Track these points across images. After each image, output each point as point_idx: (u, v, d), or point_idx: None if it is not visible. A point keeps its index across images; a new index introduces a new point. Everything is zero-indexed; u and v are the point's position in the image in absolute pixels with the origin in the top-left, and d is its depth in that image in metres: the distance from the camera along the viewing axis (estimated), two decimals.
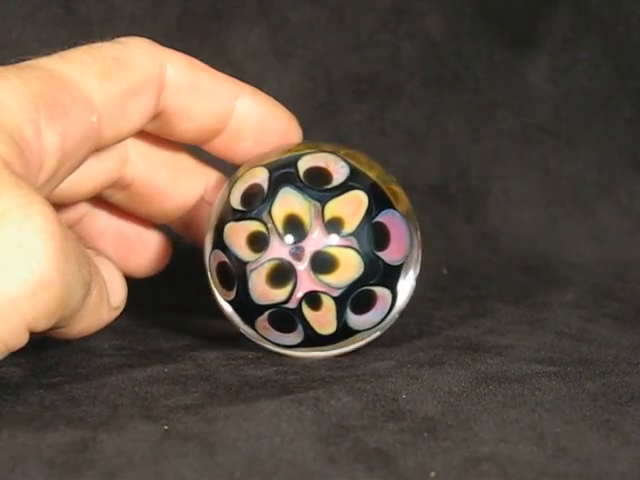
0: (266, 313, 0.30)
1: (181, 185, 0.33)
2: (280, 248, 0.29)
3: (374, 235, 0.30)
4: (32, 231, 0.24)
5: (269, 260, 0.29)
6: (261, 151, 0.31)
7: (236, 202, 0.30)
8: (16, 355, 0.32)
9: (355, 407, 0.27)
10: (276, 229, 0.29)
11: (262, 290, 0.30)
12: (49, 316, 0.24)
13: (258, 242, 0.29)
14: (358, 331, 0.31)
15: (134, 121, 0.29)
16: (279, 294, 0.30)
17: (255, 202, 0.30)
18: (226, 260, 0.30)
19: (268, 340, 0.31)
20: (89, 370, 0.30)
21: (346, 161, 0.30)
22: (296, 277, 0.29)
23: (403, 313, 0.32)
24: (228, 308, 0.31)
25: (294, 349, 0.31)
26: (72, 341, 0.34)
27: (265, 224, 0.29)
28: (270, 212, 0.29)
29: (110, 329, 0.36)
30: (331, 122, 0.52)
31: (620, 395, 0.28)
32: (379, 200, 0.30)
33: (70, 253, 0.25)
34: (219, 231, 0.30)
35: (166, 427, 0.25)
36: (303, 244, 0.29)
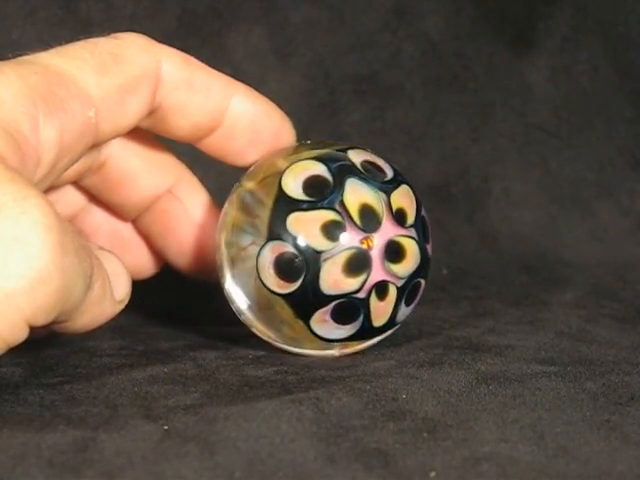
0: (333, 304, 0.30)
1: (151, 175, 0.33)
2: (355, 237, 0.29)
3: (424, 228, 0.31)
4: (29, 225, 0.24)
5: (346, 249, 0.29)
6: (254, 150, 0.31)
7: (297, 192, 0.30)
8: (16, 355, 0.32)
9: (355, 407, 0.27)
10: (351, 218, 0.29)
11: (335, 280, 0.29)
12: (49, 310, 0.24)
13: (334, 231, 0.29)
14: (397, 324, 0.31)
15: (131, 116, 0.29)
16: (352, 283, 0.30)
17: (323, 192, 0.30)
18: (291, 250, 0.29)
19: (316, 335, 0.31)
20: (89, 370, 0.30)
21: (382, 158, 0.31)
22: (370, 266, 0.30)
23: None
24: (242, 301, 0.31)
25: (322, 345, 0.31)
26: (72, 341, 0.34)
27: (339, 213, 0.29)
28: (343, 201, 0.30)
29: (110, 329, 0.36)
30: (331, 122, 0.52)
31: (620, 395, 0.28)
32: (417, 195, 0.31)
33: (69, 246, 0.24)
34: (276, 222, 0.30)
35: (166, 427, 0.25)
36: (375, 233, 0.30)
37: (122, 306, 0.29)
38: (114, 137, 0.30)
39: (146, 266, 0.35)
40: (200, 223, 0.33)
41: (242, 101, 0.31)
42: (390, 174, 0.31)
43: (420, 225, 0.31)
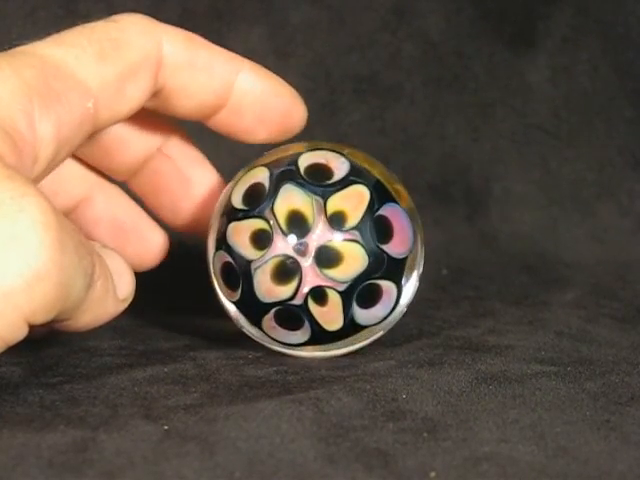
0: (272, 311, 0.30)
1: (140, 136, 0.32)
2: (284, 244, 0.29)
3: (377, 228, 0.30)
4: (26, 223, 0.23)
5: (273, 257, 0.29)
6: (263, 128, 0.31)
7: (238, 202, 0.30)
8: (16, 355, 0.32)
9: (355, 407, 0.27)
10: (279, 226, 0.29)
11: (267, 287, 0.29)
12: (48, 308, 0.24)
13: (262, 240, 0.29)
14: (365, 326, 0.31)
15: (132, 101, 0.29)
16: (284, 291, 0.29)
17: (257, 200, 0.30)
18: (230, 260, 0.30)
19: (275, 340, 0.31)
20: (89, 370, 0.30)
21: (347, 158, 0.31)
22: (301, 273, 0.29)
23: (403, 313, 0.32)
24: (233, 309, 0.31)
25: (300, 348, 0.31)
26: (72, 340, 0.34)
27: (268, 221, 0.29)
28: (273, 209, 0.29)
29: (110, 329, 0.36)
30: (331, 122, 0.52)
31: (620, 395, 0.28)
32: (381, 194, 0.30)
33: (68, 244, 0.24)
34: (222, 232, 0.30)
35: (166, 427, 0.25)
36: (307, 239, 0.29)
37: (125, 304, 0.29)
38: (115, 123, 0.30)
39: (149, 256, 0.34)
40: (191, 180, 0.33)
41: (248, 78, 0.31)
42: (339, 176, 0.30)
43: (371, 226, 0.30)
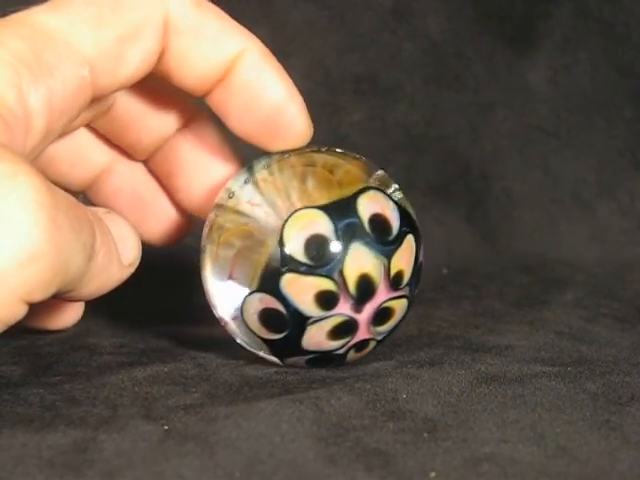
0: (310, 356, 0.30)
1: (159, 116, 0.32)
2: (347, 306, 0.28)
3: (418, 276, 0.30)
4: (18, 203, 0.23)
5: (334, 316, 0.28)
6: (250, 117, 0.29)
7: (297, 251, 0.28)
8: (16, 354, 0.32)
9: (355, 407, 0.27)
10: (347, 289, 0.28)
11: (318, 341, 0.29)
12: (45, 287, 0.24)
13: (327, 301, 0.28)
14: None
15: (133, 67, 0.28)
16: (335, 345, 0.29)
17: (324, 257, 0.28)
18: (281, 309, 0.28)
19: (287, 365, 0.31)
20: (89, 369, 0.30)
21: (393, 200, 0.29)
22: (357, 331, 0.29)
23: None
24: (234, 331, 0.30)
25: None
26: (72, 338, 0.34)
27: (336, 283, 0.28)
28: (342, 271, 0.28)
29: (110, 327, 0.36)
30: (331, 122, 0.52)
31: (620, 395, 0.28)
32: (417, 235, 0.30)
33: (63, 221, 0.24)
34: (271, 278, 0.28)
35: (166, 427, 0.25)
36: (369, 302, 0.29)
37: (132, 270, 0.28)
38: (117, 89, 0.28)
39: (168, 233, 0.33)
40: (208, 163, 0.32)
41: (251, 59, 0.29)
42: (396, 229, 0.29)
43: (416, 277, 0.30)
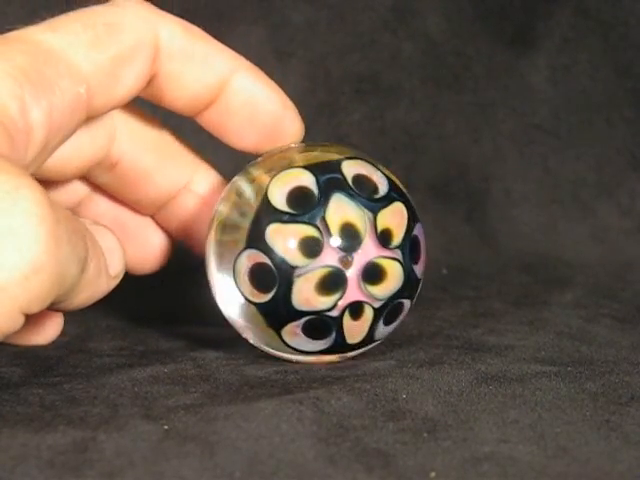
0: (303, 319, 0.29)
1: (166, 170, 0.32)
2: (332, 255, 0.29)
3: (412, 248, 0.30)
4: (21, 216, 0.23)
5: (320, 267, 0.29)
6: (252, 132, 0.31)
7: (280, 203, 0.29)
8: (16, 355, 0.32)
9: (355, 407, 0.27)
10: (331, 236, 0.29)
11: (307, 297, 0.29)
12: (43, 298, 0.24)
13: (310, 247, 0.29)
14: (376, 341, 0.31)
15: (127, 87, 0.29)
16: (325, 302, 0.29)
17: (306, 205, 0.29)
18: (267, 262, 0.29)
19: (288, 345, 0.30)
20: (89, 370, 0.30)
21: (381, 171, 0.30)
22: (346, 286, 0.29)
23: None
24: (231, 312, 0.30)
25: (299, 354, 0.31)
26: (72, 341, 0.34)
27: (319, 229, 0.29)
28: (324, 218, 0.29)
29: (110, 330, 0.36)
30: (331, 122, 0.52)
31: (620, 395, 0.28)
32: (414, 213, 0.30)
33: (62, 234, 0.24)
34: (257, 230, 0.29)
35: (166, 427, 0.25)
36: (355, 253, 0.29)
37: (117, 281, 0.29)
38: (110, 109, 0.29)
39: (150, 260, 0.34)
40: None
41: (243, 79, 0.30)
42: (383, 190, 0.30)
43: (408, 245, 0.30)
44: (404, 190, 0.31)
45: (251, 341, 0.31)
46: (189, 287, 0.35)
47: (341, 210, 0.29)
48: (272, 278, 0.29)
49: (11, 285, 0.23)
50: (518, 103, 0.55)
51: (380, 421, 0.26)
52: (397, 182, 0.31)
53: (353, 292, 0.29)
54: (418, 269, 0.30)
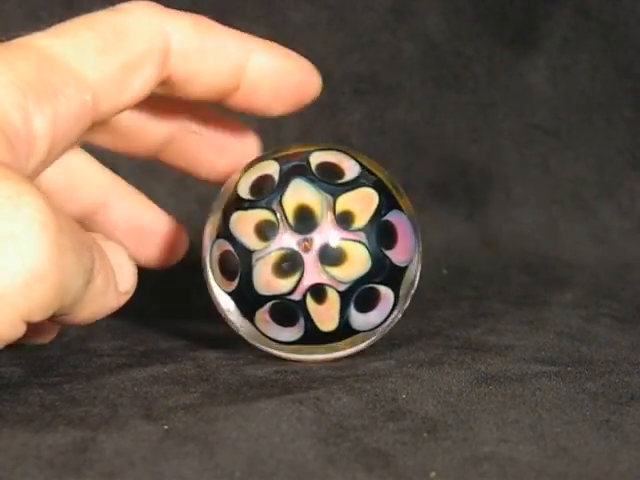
0: (268, 304, 0.30)
1: (159, 119, 0.32)
2: (289, 238, 0.29)
3: (382, 233, 0.30)
4: (23, 223, 0.23)
5: (277, 249, 0.29)
6: (280, 103, 0.31)
7: (244, 192, 0.30)
8: (16, 355, 0.32)
9: (355, 407, 0.27)
10: (286, 218, 0.29)
11: (267, 280, 0.29)
12: (45, 307, 0.24)
13: (266, 231, 0.29)
14: (358, 332, 0.31)
15: (134, 92, 0.29)
16: (284, 284, 0.29)
17: (265, 192, 0.30)
18: (230, 249, 0.30)
19: (266, 336, 0.30)
20: (89, 370, 0.30)
21: (357, 161, 0.31)
22: (303, 268, 0.29)
23: (403, 313, 0.32)
24: (227, 302, 0.31)
25: (292, 349, 0.31)
26: (72, 342, 0.34)
27: (275, 213, 0.29)
28: (281, 201, 0.29)
29: (110, 330, 0.36)
30: (331, 122, 0.52)
31: (620, 395, 0.28)
32: (389, 200, 0.30)
33: (66, 242, 0.24)
34: (224, 220, 0.30)
35: (166, 427, 0.25)
36: (312, 235, 0.29)
37: (127, 297, 0.29)
38: (117, 113, 0.29)
39: (166, 254, 0.34)
40: (223, 146, 0.33)
41: (261, 57, 0.30)
42: (350, 176, 0.30)
43: (377, 230, 0.30)
44: (388, 183, 0.31)
45: (245, 337, 0.31)
46: (189, 287, 0.35)
47: (297, 194, 0.29)
48: (235, 265, 0.30)
49: (12, 292, 0.23)
50: (518, 103, 0.55)
51: (380, 421, 0.26)
52: (381, 176, 0.31)
53: (313, 275, 0.29)
54: (394, 255, 0.30)
